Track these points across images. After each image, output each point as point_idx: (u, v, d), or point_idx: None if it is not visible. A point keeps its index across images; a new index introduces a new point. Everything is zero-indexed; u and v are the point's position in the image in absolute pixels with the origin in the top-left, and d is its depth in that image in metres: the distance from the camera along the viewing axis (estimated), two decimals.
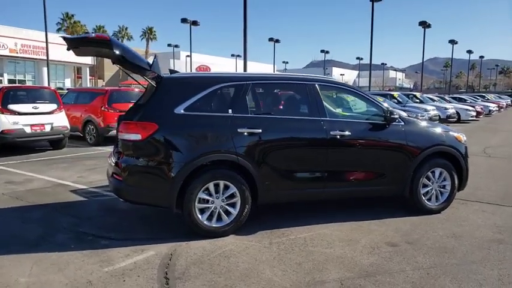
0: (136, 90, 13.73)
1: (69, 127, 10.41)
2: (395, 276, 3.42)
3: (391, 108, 4.95)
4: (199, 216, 4.18)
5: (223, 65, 64.79)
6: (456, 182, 5.23)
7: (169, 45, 55.69)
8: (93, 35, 4.01)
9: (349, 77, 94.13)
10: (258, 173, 4.30)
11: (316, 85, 4.74)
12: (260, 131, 4.31)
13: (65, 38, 4.14)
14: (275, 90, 4.90)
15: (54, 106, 10.11)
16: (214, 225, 4.25)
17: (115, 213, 5.15)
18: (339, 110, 5.29)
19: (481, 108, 25.54)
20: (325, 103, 4.74)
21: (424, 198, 5.12)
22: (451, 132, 5.35)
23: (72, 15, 57.59)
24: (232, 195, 4.28)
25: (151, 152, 4.09)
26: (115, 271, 3.47)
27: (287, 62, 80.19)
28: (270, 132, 4.38)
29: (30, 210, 5.19)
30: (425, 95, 24.27)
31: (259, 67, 70.41)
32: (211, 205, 4.23)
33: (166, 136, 4.09)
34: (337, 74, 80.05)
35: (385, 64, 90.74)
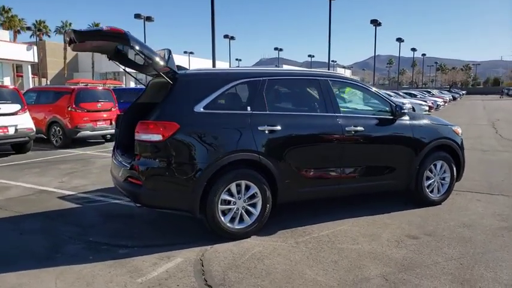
0: (100, 88, 13.07)
1: (34, 129, 9.66)
2: (432, 268, 3.48)
3: (399, 103, 5.05)
4: (222, 219, 4.02)
5: (176, 62, 63.48)
6: (455, 173, 5.45)
7: None
8: (108, 28, 3.70)
9: None
10: (278, 171, 4.21)
11: (329, 81, 4.72)
12: (280, 128, 4.22)
13: (74, 31, 3.79)
14: (290, 86, 4.81)
15: (17, 107, 9.33)
16: (237, 227, 4.10)
17: (117, 219, 4.83)
18: (349, 106, 5.30)
19: (432, 103, 27.05)
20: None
21: (427, 190, 5.28)
22: (449, 126, 5.57)
23: (9, 9, 53.82)
24: (253, 196, 4.16)
25: (173, 153, 3.86)
26: (150, 282, 3.23)
27: (240, 60, 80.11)
28: (289, 129, 4.30)
29: (22, 221, 4.74)
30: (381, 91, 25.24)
31: (211, 64, 69.67)
32: (233, 206, 4.08)
33: (188, 136, 3.88)
34: None
35: (335, 61, 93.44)
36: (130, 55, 4.81)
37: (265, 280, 3.26)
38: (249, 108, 4.21)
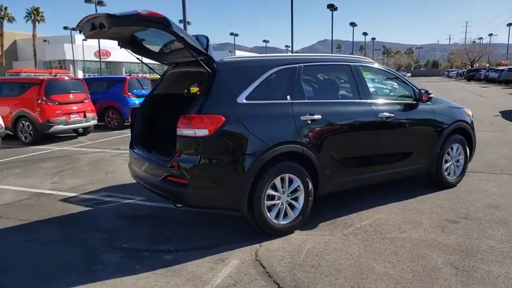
0: (67, 78, 12.14)
1: (3, 125, 8.77)
2: (492, 253, 3.49)
3: (422, 89, 5.04)
4: (268, 215, 3.81)
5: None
6: (468, 155, 5.59)
7: (65, 28, 50.21)
8: (146, 12, 3.29)
9: None
10: (319, 162, 4.05)
11: (359, 66, 4.60)
12: (320, 117, 4.04)
13: (109, 16, 3.34)
14: (324, 72, 4.62)
15: None
16: (282, 223, 3.91)
17: (140, 221, 4.46)
18: (376, 91, 5.22)
19: None
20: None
21: (445, 173, 5.36)
22: (461, 108, 5.66)
23: None
24: (296, 189, 3.98)
25: (220, 149, 3.57)
26: None
27: None
28: (329, 117, 4.14)
29: (35, 229, 4.24)
30: None
31: None
32: (278, 201, 3.88)
33: (234, 129, 3.60)
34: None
35: (288, 46, 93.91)
36: (147, 43, 4.43)
37: (338, 278, 3.11)
38: (288, 97, 3.98)
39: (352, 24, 51.49)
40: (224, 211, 4.11)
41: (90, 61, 57.59)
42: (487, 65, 74.90)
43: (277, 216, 3.89)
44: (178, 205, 3.72)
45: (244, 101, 3.72)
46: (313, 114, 4.00)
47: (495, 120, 12.29)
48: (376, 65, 4.97)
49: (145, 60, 4.77)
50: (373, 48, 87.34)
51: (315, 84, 4.51)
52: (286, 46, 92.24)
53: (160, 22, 3.34)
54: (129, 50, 4.53)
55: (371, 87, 4.62)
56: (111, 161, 7.74)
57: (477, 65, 77.97)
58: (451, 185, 5.42)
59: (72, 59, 53.06)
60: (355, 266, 3.30)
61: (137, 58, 4.62)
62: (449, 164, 5.39)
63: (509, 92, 26.30)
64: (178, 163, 3.59)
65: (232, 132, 3.59)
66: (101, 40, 43.33)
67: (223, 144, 3.57)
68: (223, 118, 3.53)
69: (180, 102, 4.75)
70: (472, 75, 53.76)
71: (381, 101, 4.71)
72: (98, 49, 50.77)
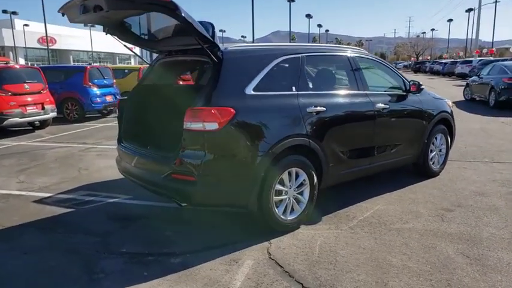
0: (17, 67, 11.18)
1: None
2: (494, 240, 3.59)
3: (412, 80, 5.10)
4: (276, 211, 3.68)
5: (75, 36, 57.55)
6: (449, 145, 5.76)
7: (4, 11, 46.47)
8: None
9: None
10: (324, 155, 3.96)
11: (356, 57, 4.55)
12: (324, 108, 3.95)
13: None
14: (324, 63, 4.50)
15: None
16: (289, 218, 3.80)
17: (132, 221, 4.15)
18: (372, 83, 5.18)
19: None
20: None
21: (430, 162, 5.50)
22: (443, 99, 5.82)
23: None
24: (302, 183, 3.87)
25: (229, 143, 3.36)
26: None
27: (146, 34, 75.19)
28: (332, 109, 4.05)
29: (12, 236, 3.81)
30: None
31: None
32: (285, 196, 3.76)
33: (243, 122, 3.40)
34: None
35: (245, 37, 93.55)
36: (136, 29, 4.10)
37: (360, 274, 3.05)
38: (293, 88, 3.85)
39: (308, 16, 52.07)
40: (228, 209, 3.90)
41: (33, 48, 53.89)
42: (429, 57, 79.16)
43: (284, 212, 3.77)
44: (183, 204, 3.47)
45: (252, 92, 3.53)
46: (318, 106, 3.89)
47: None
48: (370, 56, 4.94)
49: (136, 49, 4.41)
50: (327, 40, 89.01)
51: (316, 75, 4.40)
52: (242, 36, 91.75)
53: (166, 6, 3.05)
54: (116, 37, 4.17)
55: (366, 78, 4.58)
56: (80, 156, 7.21)
57: (421, 58, 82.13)
58: (435, 174, 5.57)
59: (12, 45, 49.35)
60: (371, 260, 3.26)
61: (125, 46, 4.26)
62: (434, 153, 5.53)
63: (454, 84, 27.84)
64: (184, 159, 3.34)
65: (242, 126, 3.39)
66: (44, 26, 40.70)
67: (233, 139, 3.37)
68: (232, 111, 3.32)
69: (171, 94, 4.46)
70: (418, 67, 56.47)
71: (376, 92, 4.71)
72: (42, 35, 47.63)
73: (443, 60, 51.68)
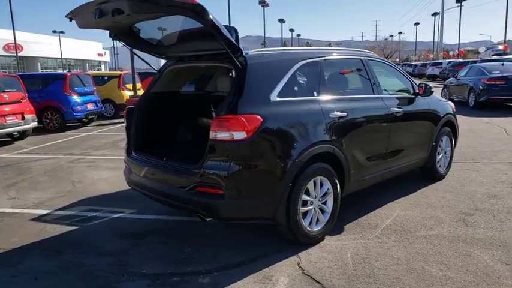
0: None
1: None
2: None
3: (421, 83, 5.06)
4: (303, 222, 3.50)
5: (43, 43, 55.62)
6: (453, 147, 5.77)
7: None
8: None
9: None
10: (346, 161, 3.83)
11: (370, 60, 4.46)
12: (346, 114, 3.81)
13: None
14: (340, 67, 4.36)
15: None
16: (315, 230, 3.63)
17: (144, 238, 3.87)
18: (384, 86, 5.10)
19: None
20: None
21: (438, 165, 5.47)
22: (447, 102, 5.82)
23: None
24: (325, 192, 3.72)
25: (258, 153, 3.16)
26: None
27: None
28: (353, 114, 3.92)
29: (17, 261, 3.45)
30: None
31: (86, 45, 63.12)
32: (311, 207, 3.59)
33: (270, 130, 3.20)
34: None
35: None
36: (145, 34, 3.87)
37: (404, 287, 2.91)
38: (315, 93, 3.70)
39: (281, 20, 52.37)
40: (252, 221, 3.70)
41: None
42: (398, 60, 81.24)
43: (310, 223, 3.59)
44: (208, 219, 3.24)
45: (277, 98, 3.35)
46: (339, 111, 3.75)
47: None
48: (380, 59, 4.86)
49: (142, 55, 4.15)
50: (298, 44, 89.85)
51: (334, 79, 4.26)
52: None
53: (193, 9, 2.83)
54: (123, 42, 3.91)
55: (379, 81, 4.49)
56: (70, 168, 6.81)
57: (391, 60, 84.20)
58: (441, 177, 5.55)
59: None
60: (410, 271, 3.13)
61: (131, 50, 4.00)
62: (440, 156, 5.50)
63: None
64: (210, 171, 3.11)
65: (269, 134, 3.20)
66: (11, 33, 38.94)
67: (261, 148, 3.17)
68: (260, 118, 3.13)
69: (186, 102, 4.24)
70: None
71: (390, 95, 4.63)
72: (7, 42, 45.73)
73: (414, 62, 53.11)
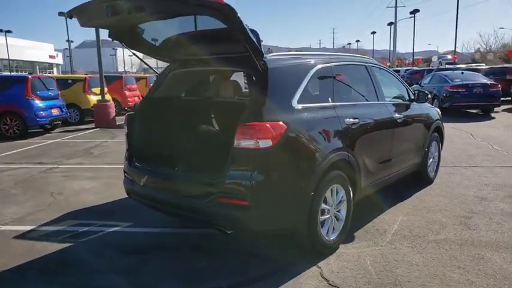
0: None
1: None
2: None
3: (416, 90, 5.17)
4: (322, 231, 3.43)
5: None
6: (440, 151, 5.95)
7: None
8: None
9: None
10: (358, 168, 3.80)
11: (373, 66, 4.49)
12: (358, 120, 3.80)
13: None
14: (349, 73, 4.32)
15: None
16: (332, 238, 3.56)
17: (149, 253, 3.63)
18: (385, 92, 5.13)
19: None
20: None
21: (429, 170, 5.61)
22: (435, 108, 6.00)
23: None
24: (340, 200, 3.67)
25: (282, 161, 3.04)
26: None
27: (72, 41, 69.93)
28: (363, 120, 3.91)
29: (14, 284, 3.10)
30: None
31: (36, 46, 59.83)
32: (327, 216, 3.52)
33: (294, 138, 3.10)
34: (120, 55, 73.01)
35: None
36: (147, 35, 3.66)
37: None
38: (329, 99, 3.65)
39: None
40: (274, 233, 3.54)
41: None
42: None
43: (327, 232, 3.52)
44: (229, 232, 3.08)
45: (298, 104, 3.26)
46: (352, 118, 3.73)
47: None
48: (379, 65, 4.92)
49: (143, 58, 3.92)
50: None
51: (344, 85, 4.23)
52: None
53: (220, 9, 2.68)
54: (124, 43, 3.67)
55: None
56: (44, 179, 6.33)
57: None
58: (431, 181, 5.69)
59: None
60: (433, 277, 3.13)
61: (133, 53, 3.76)
62: (430, 160, 5.65)
63: None
64: (234, 181, 2.96)
65: (293, 141, 3.10)
66: None
67: (285, 156, 3.06)
68: (284, 125, 3.02)
69: (181, 107, 4.04)
70: None
71: (391, 101, 4.68)
72: None
73: None
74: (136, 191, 3.70)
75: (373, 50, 67.23)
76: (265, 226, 3.14)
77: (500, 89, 13.71)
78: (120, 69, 74.24)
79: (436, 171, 5.89)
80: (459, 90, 13.41)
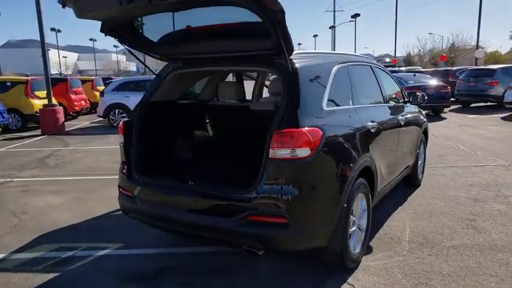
0: None
1: None
2: None
3: (412, 92, 5.11)
4: (350, 245, 3.17)
5: None
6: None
7: None
8: None
9: (72, 59, 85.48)
10: (376, 173, 3.60)
11: (376, 67, 4.34)
12: (376, 123, 3.60)
13: None
14: (358, 74, 4.09)
15: None
16: (357, 251, 3.32)
17: (155, 279, 3.17)
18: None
19: None
20: None
21: (418, 171, 5.59)
22: (421, 111, 6.01)
23: None
24: (363, 210, 3.45)
25: (320, 171, 2.74)
26: None
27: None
28: (380, 123, 3.72)
29: None
30: None
31: None
32: (354, 227, 3.27)
33: (329, 145, 2.80)
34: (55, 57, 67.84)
35: (117, 46, 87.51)
36: (146, 30, 3.22)
37: None
38: (350, 101, 3.41)
39: None
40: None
41: None
42: None
43: (354, 245, 3.27)
44: (260, 253, 2.71)
45: (326, 107, 2.97)
46: (370, 121, 3.52)
47: None
48: (378, 65, 4.78)
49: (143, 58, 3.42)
50: None
51: (358, 86, 4.00)
52: (114, 46, 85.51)
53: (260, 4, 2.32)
54: (117, 39, 3.17)
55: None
56: (1, 195, 5.48)
57: None
58: (419, 183, 5.68)
59: None
60: (469, 287, 3.00)
61: (128, 49, 3.26)
62: (420, 162, 5.63)
63: None
64: (269, 196, 2.60)
65: (328, 149, 2.80)
66: None
67: (323, 165, 2.77)
68: (320, 132, 2.72)
69: (177, 112, 3.61)
70: None
71: (394, 103, 4.56)
72: None
73: None
74: (136, 209, 3.19)
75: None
76: (303, 245, 2.81)
77: (450, 90, 14.46)
78: (53, 71, 69.33)
79: (423, 173, 5.91)
80: (414, 91, 13.92)
